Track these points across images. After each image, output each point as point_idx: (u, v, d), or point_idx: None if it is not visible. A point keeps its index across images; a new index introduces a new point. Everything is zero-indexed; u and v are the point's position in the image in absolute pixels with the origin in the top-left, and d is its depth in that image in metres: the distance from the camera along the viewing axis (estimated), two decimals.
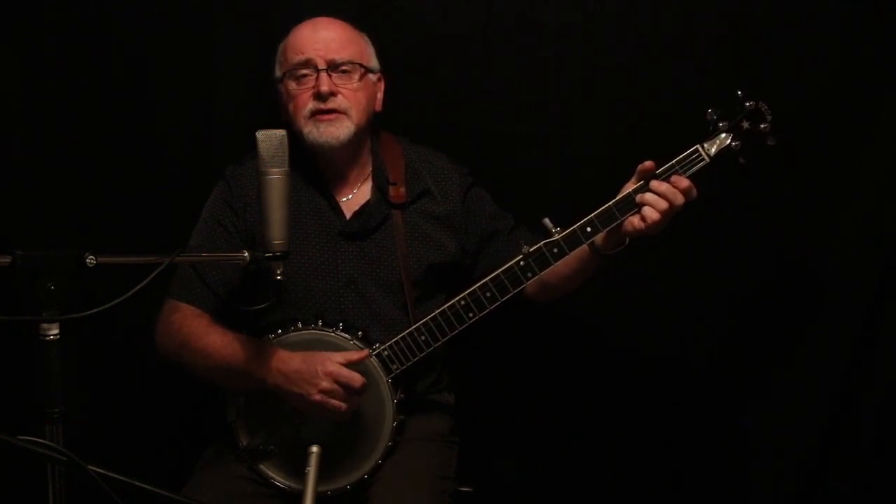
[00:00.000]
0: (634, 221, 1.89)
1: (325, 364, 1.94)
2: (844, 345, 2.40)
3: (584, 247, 1.95)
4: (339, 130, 2.05)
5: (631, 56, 2.38)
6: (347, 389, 1.94)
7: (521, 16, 2.39)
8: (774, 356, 2.45)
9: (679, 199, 1.87)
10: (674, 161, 1.90)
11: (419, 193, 2.17)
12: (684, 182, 1.87)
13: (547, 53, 2.40)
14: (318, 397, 1.93)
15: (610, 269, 2.03)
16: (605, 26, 2.38)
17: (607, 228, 1.92)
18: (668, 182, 1.87)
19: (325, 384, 1.93)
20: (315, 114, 2.05)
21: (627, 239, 1.94)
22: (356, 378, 1.95)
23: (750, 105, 1.90)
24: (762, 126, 1.90)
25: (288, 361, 1.96)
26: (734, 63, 2.33)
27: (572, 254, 1.95)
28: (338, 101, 2.05)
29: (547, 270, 1.96)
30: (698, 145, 1.91)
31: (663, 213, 1.86)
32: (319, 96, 2.03)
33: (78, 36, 2.43)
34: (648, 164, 1.89)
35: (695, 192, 1.88)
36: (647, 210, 1.87)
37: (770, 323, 2.45)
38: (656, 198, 1.86)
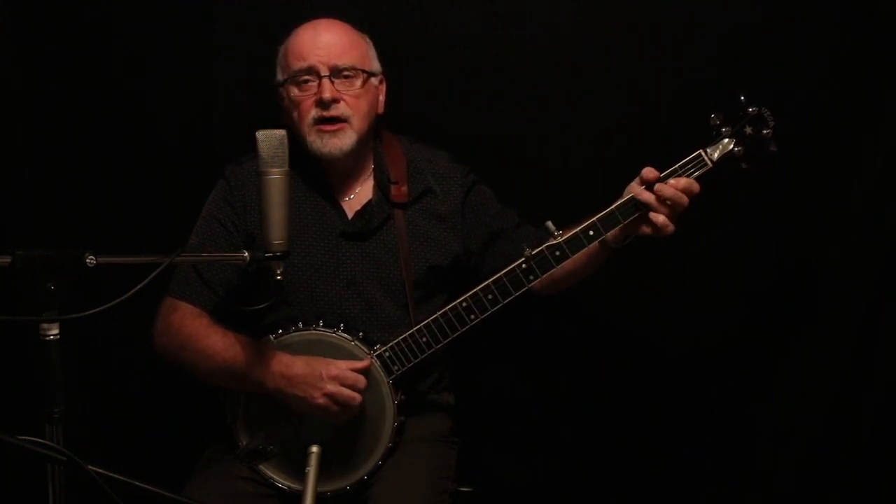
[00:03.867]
0: (644, 228, 1.89)
1: (329, 368, 1.94)
2: (844, 345, 2.40)
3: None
4: (342, 141, 2.05)
5: (634, 59, 2.38)
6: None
7: (523, 17, 2.39)
8: (774, 356, 2.45)
9: (683, 199, 1.87)
10: (677, 166, 1.91)
11: (421, 192, 2.16)
12: (682, 181, 1.87)
13: (550, 56, 2.40)
14: (321, 401, 1.94)
15: (616, 263, 2.04)
16: (608, 29, 2.37)
17: (609, 232, 1.93)
18: (669, 184, 1.87)
19: (330, 387, 1.93)
20: (318, 122, 2.04)
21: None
22: (360, 380, 1.96)
23: (753, 110, 1.90)
24: (765, 132, 1.91)
25: (291, 366, 1.96)
26: (736, 64, 2.33)
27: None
28: (340, 109, 2.04)
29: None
30: (701, 150, 1.91)
31: (669, 217, 1.87)
32: (322, 103, 2.03)
33: (78, 36, 2.43)
34: (651, 173, 1.88)
35: (696, 186, 1.88)
36: (652, 215, 1.87)
37: (770, 323, 2.44)
38: (660, 204, 1.86)
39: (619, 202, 1.91)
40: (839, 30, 2.31)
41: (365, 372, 1.98)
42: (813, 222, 2.40)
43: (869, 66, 2.32)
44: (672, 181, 1.87)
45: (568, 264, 1.96)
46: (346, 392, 1.94)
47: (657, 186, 1.87)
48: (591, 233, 1.93)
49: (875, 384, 2.40)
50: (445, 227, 2.16)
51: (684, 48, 2.35)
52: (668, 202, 1.86)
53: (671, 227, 1.88)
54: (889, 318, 2.37)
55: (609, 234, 1.93)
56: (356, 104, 2.06)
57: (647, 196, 1.87)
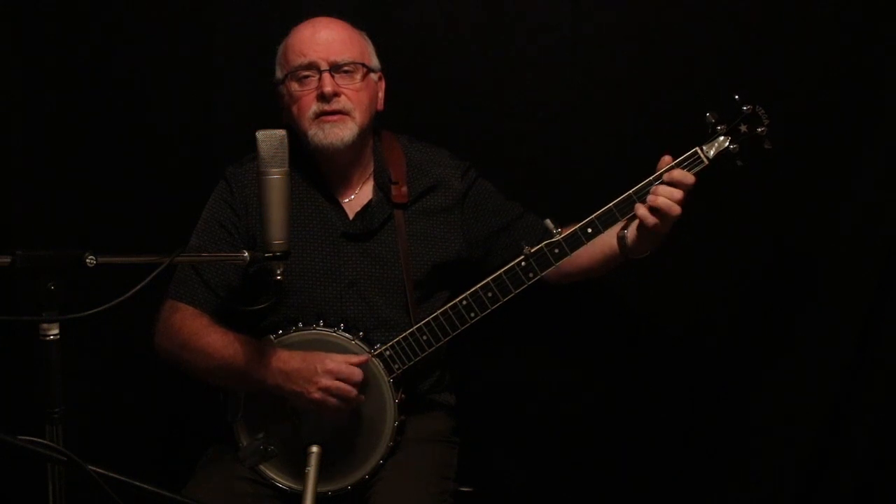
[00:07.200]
0: (647, 216, 1.87)
1: (325, 362, 1.94)
2: (845, 344, 2.40)
3: (614, 244, 1.96)
4: (343, 132, 2.05)
5: (631, 58, 2.38)
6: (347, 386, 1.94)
7: (521, 15, 2.39)
8: (774, 355, 2.45)
9: (676, 193, 1.86)
10: (674, 163, 1.91)
11: (421, 192, 2.17)
12: (676, 172, 1.87)
13: (548, 54, 2.40)
14: (317, 395, 1.93)
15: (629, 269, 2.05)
16: (606, 28, 2.37)
17: (608, 229, 1.93)
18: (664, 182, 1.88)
19: (325, 381, 1.93)
20: (319, 115, 2.04)
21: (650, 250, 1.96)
22: (356, 373, 1.95)
23: (748, 109, 1.92)
24: (759, 130, 1.92)
25: (288, 361, 1.96)
26: (734, 63, 2.33)
27: (598, 249, 1.95)
28: (341, 102, 2.04)
29: (568, 261, 1.96)
30: (697, 148, 1.92)
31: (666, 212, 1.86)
32: (323, 97, 2.03)
33: (78, 36, 2.43)
34: (666, 158, 1.91)
35: (690, 178, 1.88)
36: (658, 204, 1.86)
37: (769, 322, 2.44)
38: (665, 199, 1.86)
39: (617, 200, 1.92)
40: (838, 28, 2.31)
41: (363, 367, 1.97)
42: (813, 222, 2.40)
43: (869, 64, 2.32)
44: (666, 176, 1.87)
45: (583, 261, 1.97)
46: (342, 386, 1.93)
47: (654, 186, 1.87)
48: (590, 230, 1.93)
49: (875, 383, 2.39)
50: (446, 224, 2.17)
51: (681, 47, 2.35)
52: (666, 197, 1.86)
53: (671, 214, 1.86)
54: (889, 318, 2.37)
55: (630, 238, 1.94)
56: (357, 97, 2.07)
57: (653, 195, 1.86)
